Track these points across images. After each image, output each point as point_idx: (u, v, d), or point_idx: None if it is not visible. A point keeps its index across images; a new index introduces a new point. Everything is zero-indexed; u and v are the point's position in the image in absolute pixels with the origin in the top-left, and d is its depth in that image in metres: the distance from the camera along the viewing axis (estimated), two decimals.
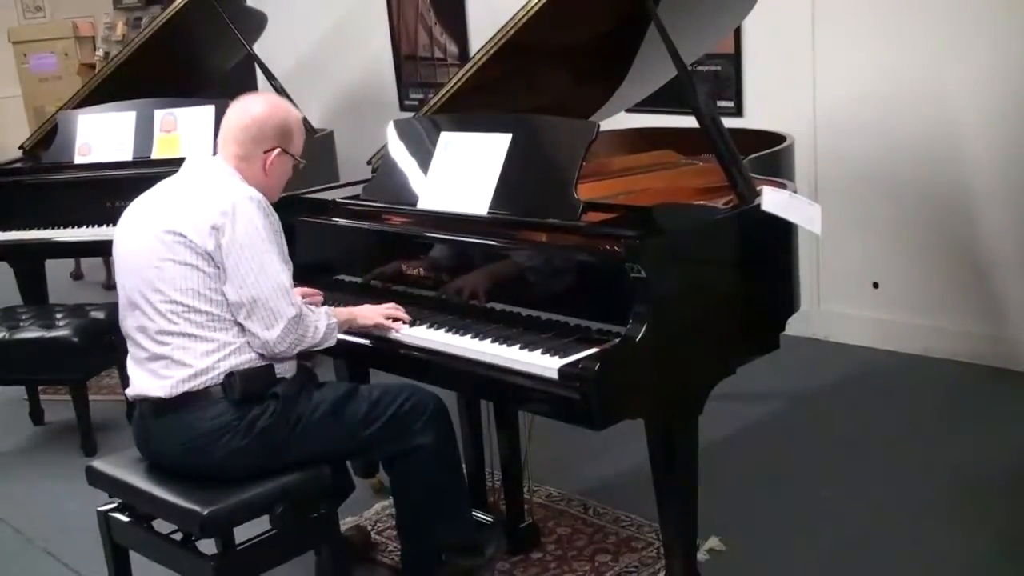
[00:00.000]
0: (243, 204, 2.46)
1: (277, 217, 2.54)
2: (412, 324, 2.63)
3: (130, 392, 2.58)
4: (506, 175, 2.66)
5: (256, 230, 2.45)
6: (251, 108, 2.63)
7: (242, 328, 2.47)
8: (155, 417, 2.51)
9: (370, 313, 2.66)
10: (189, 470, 2.49)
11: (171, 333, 2.46)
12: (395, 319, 2.65)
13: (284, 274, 2.49)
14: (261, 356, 2.50)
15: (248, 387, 2.46)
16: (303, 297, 2.81)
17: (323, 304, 2.82)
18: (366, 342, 2.68)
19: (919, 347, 4.35)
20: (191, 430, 2.46)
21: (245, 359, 2.48)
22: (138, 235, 2.54)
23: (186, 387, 2.45)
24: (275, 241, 2.50)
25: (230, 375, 2.46)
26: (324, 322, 2.55)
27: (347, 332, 2.64)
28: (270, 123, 2.61)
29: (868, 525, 3.08)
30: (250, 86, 5.88)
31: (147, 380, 2.51)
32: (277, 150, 2.61)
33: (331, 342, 2.57)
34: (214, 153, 2.70)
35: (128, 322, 2.57)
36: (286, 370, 2.55)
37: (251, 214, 2.46)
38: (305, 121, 3.05)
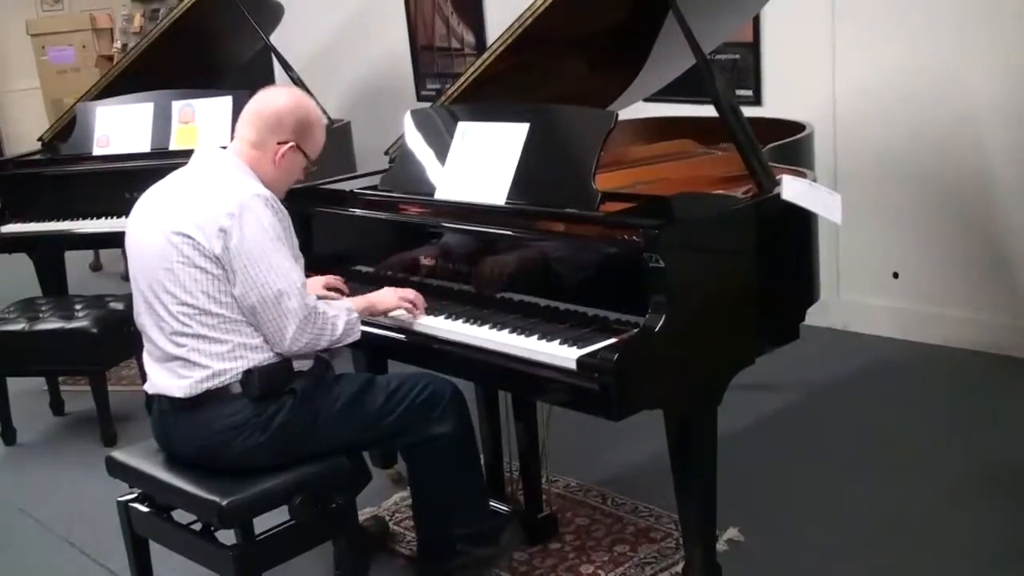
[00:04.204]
0: (250, 203, 2.42)
1: (286, 213, 2.51)
2: (431, 314, 2.63)
3: (149, 388, 2.58)
4: (524, 165, 2.65)
5: (264, 230, 2.42)
6: (276, 97, 2.60)
7: (256, 328, 2.47)
8: (174, 414, 2.51)
9: (389, 298, 2.65)
10: (208, 465, 2.50)
11: (185, 335, 2.45)
12: (413, 305, 2.64)
13: (295, 273, 2.46)
14: (278, 355, 2.49)
15: (266, 384, 2.46)
16: (328, 287, 2.82)
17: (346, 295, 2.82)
18: (385, 333, 2.68)
19: (939, 337, 4.32)
20: (209, 427, 2.46)
21: (262, 357, 2.47)
22: (149, 233, 2.51)
23: (205, 387, 2.45)
24: (284, 239, 2.47)
25: (248, 372, 2.45)
26: (344, 318, 2.52)
27: (368, 319, 2.63)
28: (291, 116, 2.57)
29: (888, 516, 3.06)
30: (267, 77, 5.89)
31: (165, 378, 2.51)
32: (291, 144, 2.57)
33: (354, 337, 2.55)
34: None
35: (142, 319, 2.56)
36: (303, 364, 2.55)
37: (259, 213, 2.42)
38: (323, 112, 3.05)
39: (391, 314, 2.67)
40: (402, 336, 2.65)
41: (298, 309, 2.44)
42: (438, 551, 2.74)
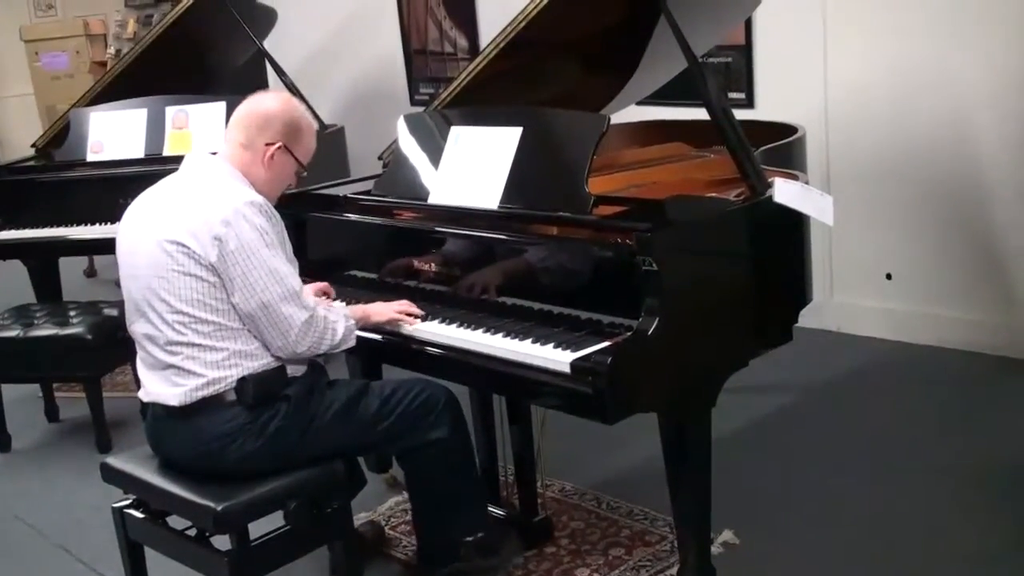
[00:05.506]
0: (244, 210, 2.42)
1: (279, 218, 2.51)
2: (424, 319, 2.63)
3: (143, 396, 2.58)
4: (517, 169, 2.65)
5: (259, 236, 2.41)
6: (264, 100, 2.61)
7: (251, 335, 2.46)
8: (168, 421, 2.51)
9: (383, 310, 2.66)
10: (202, 471, 2.50)
11: (179, 343, 2.45)
12: (408, 315, 2.64)
13: (292, 277, 2.47)
14: (277, 358, 2.49)
15: (260, 391, 2.46)
16: (317, 293, 2.82)
17: (336, 299, 2.82)
18: (379, 337, 2.68)
19: (933, 338, 4.33)
20: (204, 434, 2.46)
21: (257, 364, 2.47)
22: (141, 240, 2.51)
23: (199, 395, 2.45)
24: (279, 244, 2.47)
25: (243, 380, 2.45)
26: (343, 324, 2.53)
27: (361, 328, 2.64)
28: (280, 117, 2.57)
29: (882, 517, 3.06)
30: (261, 82, 5.89)
31: (160, 386, 2.51)
32: (279, 144, 2.56)
33: (351, 343, 2.56)
34: None
35: (136, 327, 2.56)
36: (297, 369, 2.55)
37: (253, 220, 2.42)
38: (316, 117, 3.05)
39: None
40: (396, 341, 2.65)
41: (299, 313, 2.44)
42: (438, 555, 2.74)
